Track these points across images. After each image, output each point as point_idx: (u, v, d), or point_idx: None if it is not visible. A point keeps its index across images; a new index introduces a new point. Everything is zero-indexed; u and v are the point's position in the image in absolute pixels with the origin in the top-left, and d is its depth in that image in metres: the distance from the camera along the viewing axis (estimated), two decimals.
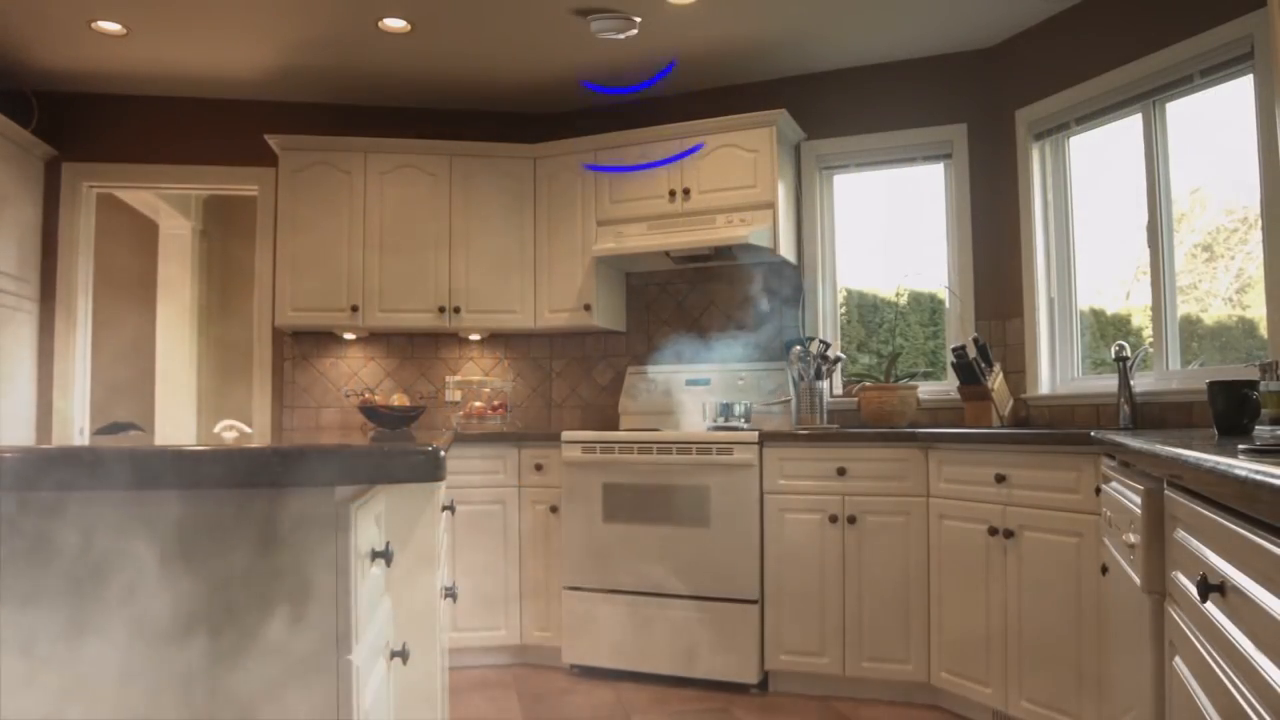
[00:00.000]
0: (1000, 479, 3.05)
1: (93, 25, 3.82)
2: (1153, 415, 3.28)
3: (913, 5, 3.71)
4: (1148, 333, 3.50)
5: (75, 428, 4.50)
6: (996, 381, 3.76)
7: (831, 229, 4.44)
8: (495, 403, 4.64)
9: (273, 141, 4.40)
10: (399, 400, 4.37)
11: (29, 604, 1.07)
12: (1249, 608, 1.05)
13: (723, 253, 4.20)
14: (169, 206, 5.76)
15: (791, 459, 3.62)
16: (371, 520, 1.38)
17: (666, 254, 4.22)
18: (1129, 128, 3.53)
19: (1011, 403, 3.83)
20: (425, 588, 1.75)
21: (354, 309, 4.37)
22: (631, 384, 4.56)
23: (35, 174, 4.44)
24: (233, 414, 4.82)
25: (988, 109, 4.10)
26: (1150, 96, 3.39)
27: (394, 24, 3.84)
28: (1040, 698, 2.89)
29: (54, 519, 1.08)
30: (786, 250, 4.16)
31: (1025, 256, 3.91)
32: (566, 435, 3.93)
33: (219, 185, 4.80)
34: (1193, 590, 1.33)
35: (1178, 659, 1.47)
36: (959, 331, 4.09)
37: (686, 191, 4.18)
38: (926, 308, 4.42)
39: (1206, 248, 3.44)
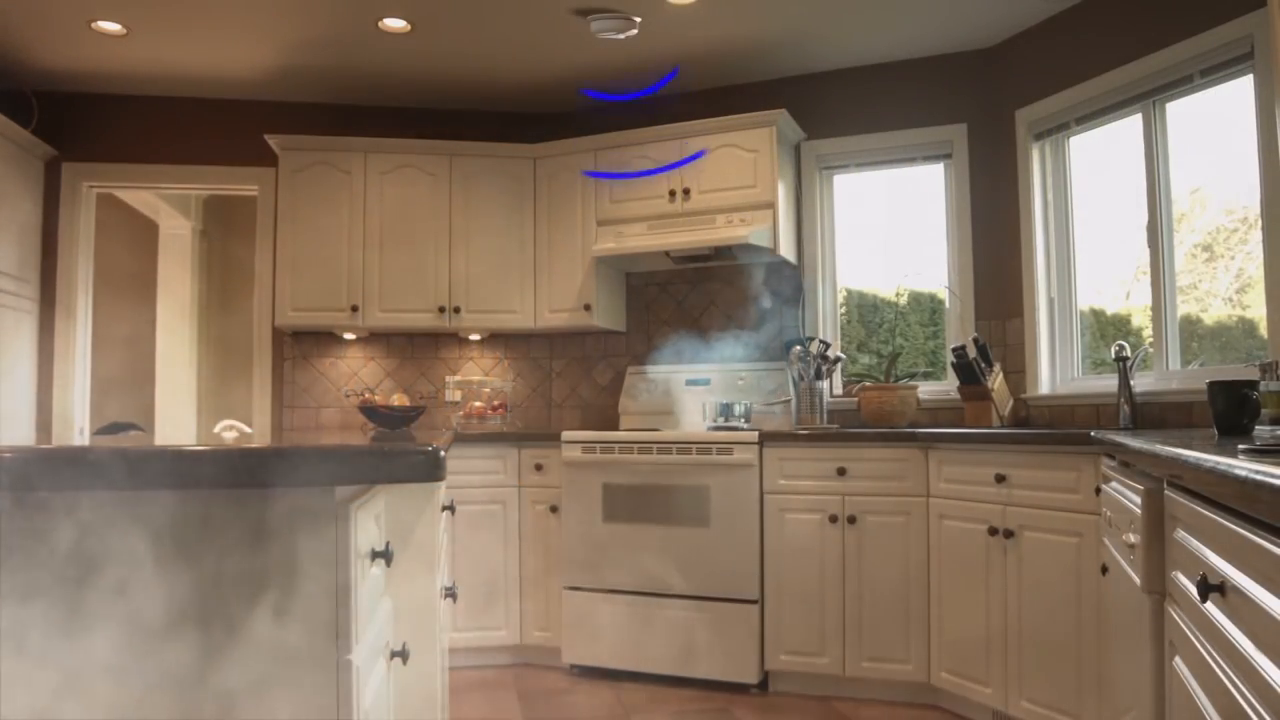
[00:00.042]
0: (1000, 479, 3.05)
1: (93, 25, 3.83)
2: (1153, 415, 3.28)
3: (913, 5, 3.71)
4: (1148, 333, 3.50)
5: (75, 428, 4.50)
6: (996, 381, 3.76)
7: (831, 229, 4.44)
8: (495, 403, 4.64)
9: (273, 141, 4.40)
10: (399, 400, 4.37)
11: (29, 603, 1.07)
12: (1249, 608, 1.05)
13: (723, 253, 4.20)
14: (169, 206, 5.76)
15: (791, 459, 3.62)
16: (371, 520, 1.38)
17: (666, 254, 4.22)
18: (1129, 128, 3.53)
19: (1011, 403, 3.83)
20: (425, 588, 1.75)
21: (354, 309, 4.37)
22: (631, 384, 4.56)
23: (35, 174, 4.44)
24: (233, 414, 4.82)
25: (988, 109, 4.10)
26: (1150, 96, 3.39)
27: (394, 24, 3.84)
28: (1040, 698, 2.89)
29: (52, 519, 1.08)
30: (786, 250, 4.16)
31: (1025, 256, 3.91)
32: (566, 435, 3.93)
33: (219, 185, 4.80)
34: (1193, 590, 1.33)
35: (1178, 659, 1.47)
36: (959, 331, 4.09)
37: (686, 191, 4.18)
38: (926, 308, 4.42)
39: (1206, 248, 3.44)
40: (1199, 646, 1.30)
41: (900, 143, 4.27)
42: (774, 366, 4.30)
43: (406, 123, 4.80)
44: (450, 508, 2.44)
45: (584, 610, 3.84)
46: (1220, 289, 3.40)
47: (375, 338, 4.75)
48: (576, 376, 4.84)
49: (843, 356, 4.26)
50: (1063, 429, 3.21)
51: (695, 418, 4.31)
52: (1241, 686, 1.07)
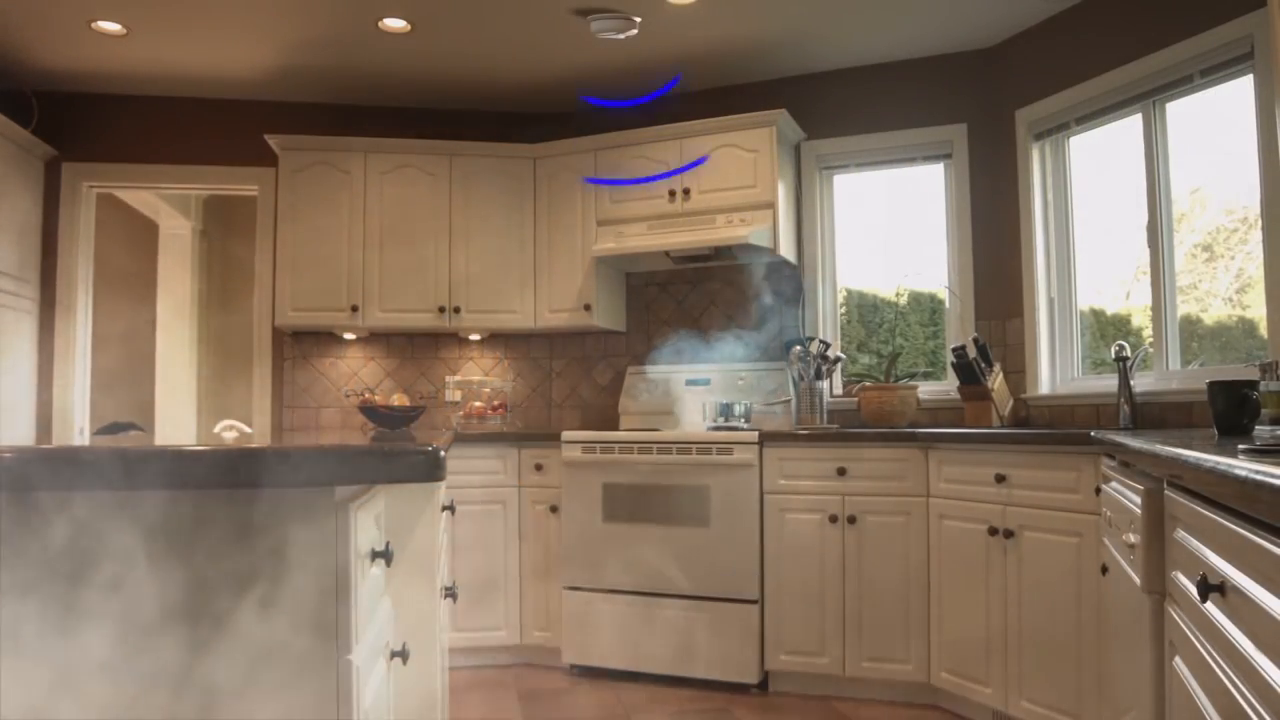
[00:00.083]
0: (1000, 479, 3.05)
1: (93, 25, 3.83)
2: (1153, 415, 3.28)
3: (913, 5, 3.71)
4: (1148, 333, 3.50)
5: (75, 427, 4.50)
6: (996, 381, 3.76)
7: (831, 229, 4.44)
8: (495, 403, 4.64)
9: (273, 141, 4.40)
10: (399, 400, 4.37)
11: (28, 603, 1.07)
12: (1249, 608, 1.05)
13: (723, 253, 4.20)
14: (169, 206, 5.76)
15: (791, 459, 3.62)
16: (371, 520, 1.39)
17: (666, 254, 4.22)
18: (1129, 128, 3.53)
19: (1011, 403, 3.83)
20: (425, 588, 1.75)
21: (354, 309, 4.37)
22: (631, 384, 4.56)
23: (35, 174, 4.44)
24: (233, 414, 4.82)
25: (988, 109, 4.10)
26: (1150, 96, 3.39)
27: (394, 24, 3.84)
28: (1040, 698, 2.89)
29: (51, 519, 1.08)
30: (786, 250, 4.16)
31: (1025, 256, 3.91)
32: (566, 435, 3.93)
33: (219, 185, 4.81)
34: (1193, 590, 1.33)
35: (1178, 659, 1.47)
36: (959, 331, 4.09)
37: (686, 191, 4.18)
38: (926, 308, 4.42)
39: (1206, 248, 3.44)
40: (1199, 646, 1.30)
41: (900, 143, 4.27)
42: (774, 366, 4.30)
43: (406, 123, 4.80)
44: (450, 508, 2.44)
45: (584, 610, 3.84)
46: (1220, 289, 3.40)
47: (375, 338, 4.75)
48: (576, 376, 4.84)
49: (843, 356, 4.26)
50: (1063, 429, 3.21)
51: (695, 418, 4.31)
52: (1241, 686, 1.07)
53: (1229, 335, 3.32)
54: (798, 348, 4.08)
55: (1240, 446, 1.46)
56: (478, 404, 4.60)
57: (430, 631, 1.76)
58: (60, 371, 4.49)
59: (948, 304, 4.23)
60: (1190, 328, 3.39)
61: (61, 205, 4.54)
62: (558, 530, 3.97)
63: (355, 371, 4.74)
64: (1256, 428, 2.15)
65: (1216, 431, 2.24)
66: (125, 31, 3.90)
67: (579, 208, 4.42)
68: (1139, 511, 1.73)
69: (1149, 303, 3.45)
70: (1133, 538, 1.80)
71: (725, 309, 4.55)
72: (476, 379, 4.79)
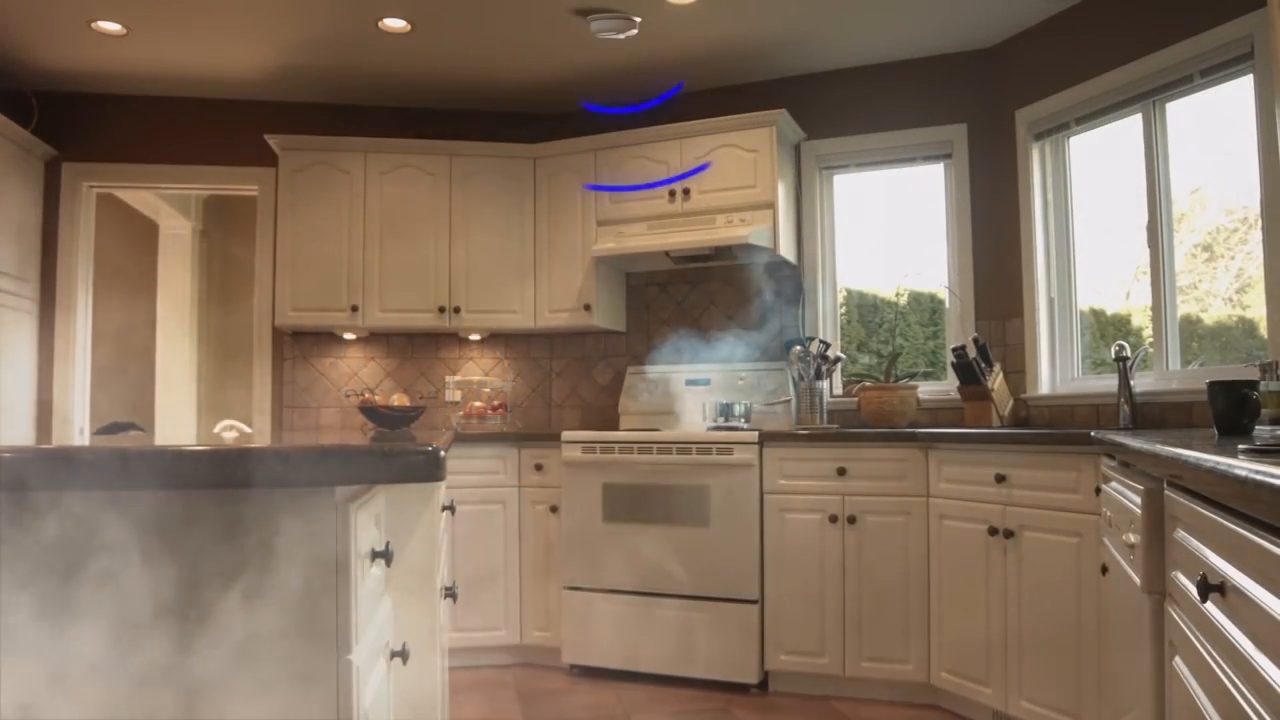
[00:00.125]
0: (1000, 479, 3.05)
1: (93, 25, 3.83)
2: (1153, 415, 3.28)
3: (913, 5, 3.71)
4: (1148, 333, 3.50)
5: (75, 427, 4.50)
6: (996, 381, 3.76)
7: (831, 229, 4.44)
8: (495, 403, 4.64)
9: (273, 141, 4.40)
10: (399, 400, 4.37)
11: (28, 604, 1.07)
12: (1249, 608, 1.05)
13: (723, 253, 4.20)
14: (169, 206, 5.76)
15: (791, 459, 3.62)
16: (371, 520, 1.39)
17: (666, 254, 4.22)
18: (1129, 128, 3.53)
19: (1011, 403, 3.83)
20: (425, 588, 1.75)
21: (354, 309, 4.37)
22: (631, 384, 4.56)
23: (35, 174, 4.44)
24: (233, 414, 4.82)
25: (988, 109, 4.10)
26: (1150, 96, 3.39)
27: (394, 24, 3.84)
28: (1040, 698, 2.89)
29: (51, 519, 1.08)
30: (786, 250, 4.16)
31: (1025, 256, 3.91)
32: (566, 435, 3.93)
33: (219, 185, 4.81)
34: (1193, 590, 1.33)
35: (1178, 659, 1.47)
36: (959, 331, 4.09)
37: (686, 192, 4.18)
38: (926, 308, 4.42)
39: (1206, 248, 3.44)
40: (1199, 646, 1.30)
41: (900, 143, 4.27)
42: (774, 366, 4.30)
43: (406, 123, 4.80)
44: (450, 508, 2.44)
45: (584, 610, 3.84)
46: (1220, 289, 3.40)
47: (375, 338, 4.75)
48: (576, 376, 4.84)
49: (843, 356, 4.26)
50: (1063, 429, 3.21)
51: (695, 418, 4.31)
52: (1241, 686, 1.07)
53: (1229, 335, 3.32)
54: (798, 348, 4.08)
55: (1240, 446, 1.46)
56: (478, 404, 4.60)
57: (430, 631, 1.76)
58: (60, 371, 4.49)
59: (948, 304, 4.23)
60: (1190, 328, 3.39)
61: (61, 205, 4.54)
62: (558, 530, 3.97)
63: (355, 371, 4.74)
64: (1256, 428, 2.15)
65: (1216, 431, 2.24)
66: (125, 31, 3.90)
67: (579, 208, 4.42)
68: (1139, 511, 1.73)
69: (1149, 303, 3.45)
70: (1133, 538, 1.80)
71: (725, 309, 4.55)
72: (476, 379, 4.79)
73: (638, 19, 3.77)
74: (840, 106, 4.36)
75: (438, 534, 1.87)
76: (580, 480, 3.89)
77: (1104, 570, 2.35)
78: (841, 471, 3.53)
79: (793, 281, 4.41)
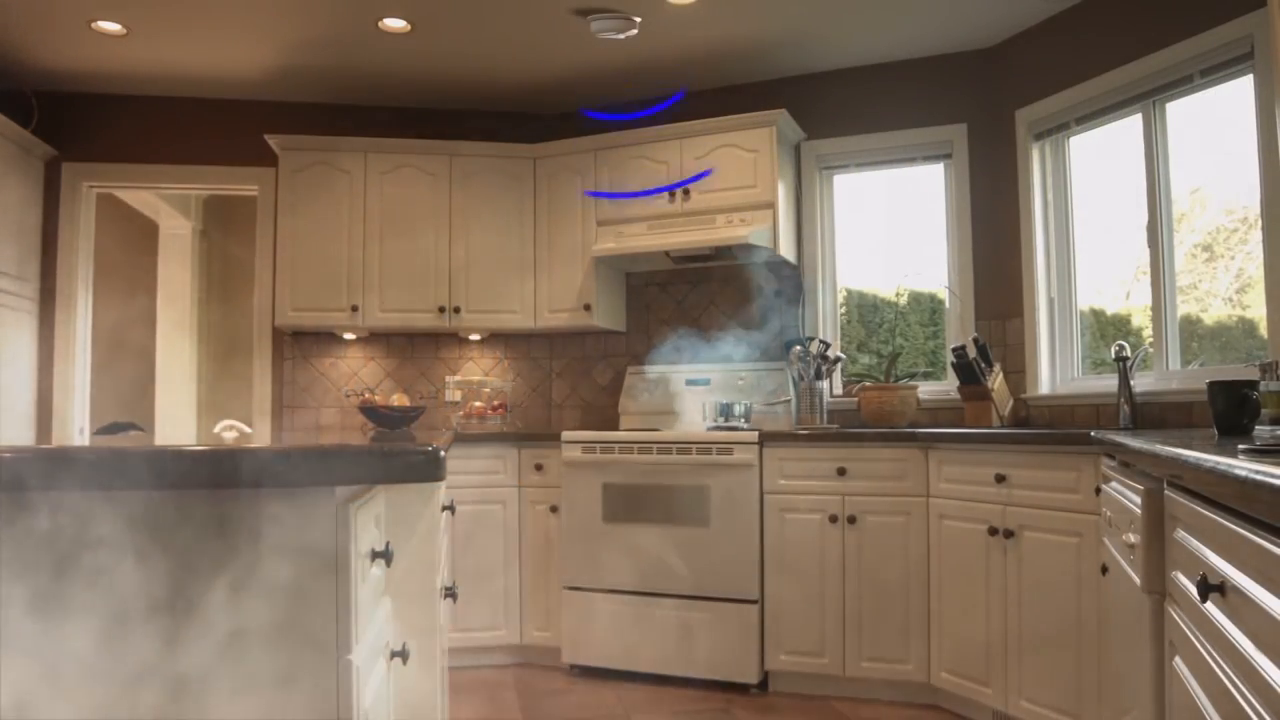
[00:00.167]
0: (1000, 479, 3.05)
1: (93, 25, 3.83)
2: (1153, 415, 3.28)
3: (913, 5, 3.71)
4: (1148, 333, 3.50)
5: (75, 427, 4.50)
6: (996, 381, 3.76)
7: (831, 229, 4.44)
8: (495, 403, 4.64)
9: (273, 141, 4.40)
10: (399, 400, 4.37)
11: (28, 603, 1.07)
12: (1249, 608, 1.05)
13: (723, 253, 4.20)
14: (169, 206, 5.76)
15: (791, 459, 3.62)
16: (371, 520, 1.39)
17: (666, 254, 4.22)
18: (1129, 128, 3.53)
19: (1011, 403, 3.83)
20: (425, 588, 1.75)
21: (354, 309, 4.37)
22: (631, 384, 4.56)
23: (35, 174, 4.44)
24: (233, 414, 4.82)
25: (988, 109, 4.10)
26: (1150, 96, 3.39)
27: (394, 24, 3.84)
28: (1040, 698, 2.89)
29: (50, 519, 1.08)
30: (786, 250, 4.16)
31: (1025, 256, 3.91)
32: (566, 435, 3.93)
33: (219, 185, 4.81)
34: (1193, 590, 1.33)
35: (1178, 659, 1.47)
36: (959, 331, 4.09)
37: (686, 192, 4.18)
38: (926, 308, 4.42)
39: (1206, 248, 3.44)
40: (1199, 646, 1.30)
41: (900, 143, 4.27)
42: (774, 366, 4.30)
43: (406, 123, 4.80)
44: (450, 508, 2.44)
45: (584, 610, 3.84)
46: (1220, 289, 3.40)
47: (375, 338, 4.75)
48: (576, 376, 4.84)
49: (843, 356, 4.26)
50: (1063, 429, 3.21)
51: (695, 418, 4.31)
52: (1241, 686, 1.07)
53: (1229, 335, 3.32)
54: (798, 348, 4.08)
55: (1240, 446, 1.46)
56: (478, 404, 4.60)
57: (430, 631, 1.76)
58: (60, 371, 4.49)
59: (948, 304, 4.23)
60: (1190, 328, 3.39)
61: (61, 205, 4.54)
62: (557, 530, 3.97)
63: (355, 371, 4.74)
64: (1256, 428, 2.15)
65: (1216, 431, 2.24)
66: (125, 31, 3.90)
67: (579, 208, 4.42)
68: (1139, 511, 1.73)
69: (1149, 303, 3.45)
70: (1133, 538, 1.80)
71: (725, 309, 4.55)
72: (476, 379, 4.79)
73: (638, 19, 3.77)
74: (840, 106, 4.36)
75: (438, 534, 1.87)
76: (580, 480, 3.89)
77: (1104, 570, 2.35)
78: (841, 471, 3.53)
79: (793, 281, 4.41)
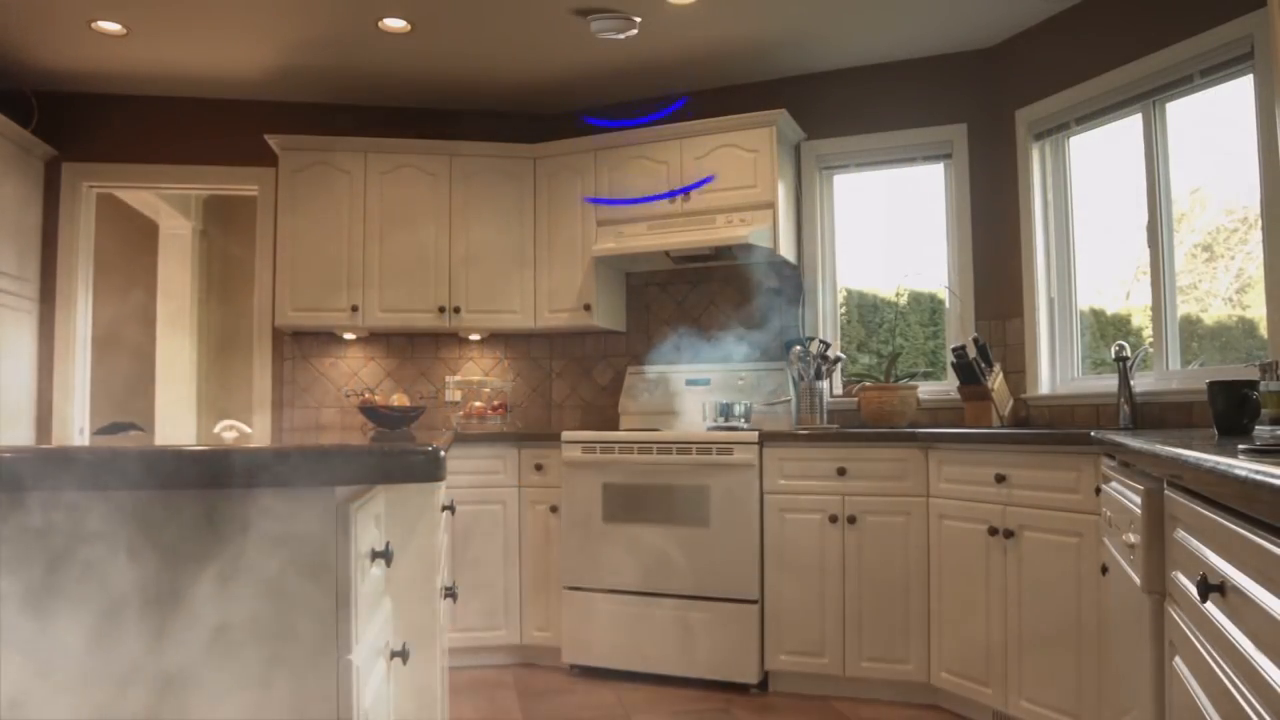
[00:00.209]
0: (1000, 479, 3.05)
1: (93, 25, 3.83)
2: (1153, 415, 3.28)
3: (913, 5, 3.71)
4: (1148, 333, 3.50)
5: (75, 427, 4.50)
6: (996, 381, 3.76)
7: (831, 229, 4.44)
8: (495, 403, 4.64)
9: (273, 141, 4.40)
10: (399, 400, 4.37)
11: (31, 603, 1.07)
12: (1249, 608, 1.05)
13: (723, 253, 4.20)
14: (169, 206, 5.76)
15: (791, 459, 3.62)
16: (371, 520, 1.39)
17: (666, 254, 4.22)
18: (1129, 128, 3.53)
19: (1011, 403, 3.83)
20: (425, 588, 1.75)
21: (354, 309, 4.37)
22: (631, 384, 4.56)
23: (35, 174, 4.44)
24: (233, 414, 4.82)
25: (988, 109, 4.10)
26: (1150, 96, 3.39)
27: (394, 24, 3.84)
28: (1040, 698, 2.89)
29: (49, 520, 1.08)
30: (786, 250, 4.16)
31: (1025, 256, 3.91)
32: (566, 435, 3.93)
33: (219, 185, 4.81)
34: (1193, 590, 1.33)
35: (1178, 659, 1.47)
36: (959, 331, 4.09)
37: (685, 185, 4.18)
38: (926, 308, 4.42)
39: (1206, 248, 3.44)
40: (1199, 646, 1.30)
41: (900, 143, 4.27)
42: (774, 366, 4.30)
43: (406, 123, 4.80)
44: (450, 508, 2.44)
45: (584, 610, 3.84)
46: (1220, 289, 3.40)
47: (375, 338, 4.75)
48: (576, 376, 4.84)
49: (843, 356, 4.26)
50: (1063, 429, 3.21)
51: (695, 418, 4.31)
52: (1241, 686, 1.07)
53: (1229, 335, 3.32)
54: (798, 348, 4.08)
55: (1240, 446, 1.46)
56: (478, 404, 4.60)
57: (430, 631, 1.76)
58: (60, 371, 4.49)
59: (948, 304, 4.23)
60: (1190, 328, 3.39)
61: (61, 205, 4.54)
62: (558, 530, 3.97)
63: (355, 371, 4.74)
64: (1256, 428, 2.15)
65: (1216, 431, 2.24)
66: (125, 31, 3.90)
67: (579, 208, 4.42)
68: (1139, 511, 1.73)
69: (1149, 303, 3.45)
70: (1133, 538, 1.80)
71: (725, 309, 4.55)
72: (476, 379, 4.79)
73: (638, 19, 3.77)
74: (840, 106, 4.36)
75: (438, 534, 1.87)
76: (580, 480, 3.89)
77: (1104, 570, 2.35)
78: (841, 471, 3.53)
79: (793, 281, 4.41)
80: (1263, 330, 2.99)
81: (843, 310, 4.50)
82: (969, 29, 3.93)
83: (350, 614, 1.16)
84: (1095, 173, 3.79)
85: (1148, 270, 3.45)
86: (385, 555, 1.42)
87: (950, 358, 3.90)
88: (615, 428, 4.56)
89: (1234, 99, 3.13)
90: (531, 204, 4.52)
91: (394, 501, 1.69)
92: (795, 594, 3.57)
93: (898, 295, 4.48)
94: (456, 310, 4.44)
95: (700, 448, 3.71)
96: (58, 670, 1.07)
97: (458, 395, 4.75)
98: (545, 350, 4.88)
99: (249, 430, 3.75)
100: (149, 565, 1.10)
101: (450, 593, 2.05)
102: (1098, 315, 3.85)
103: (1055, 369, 3.87)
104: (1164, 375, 3.36)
